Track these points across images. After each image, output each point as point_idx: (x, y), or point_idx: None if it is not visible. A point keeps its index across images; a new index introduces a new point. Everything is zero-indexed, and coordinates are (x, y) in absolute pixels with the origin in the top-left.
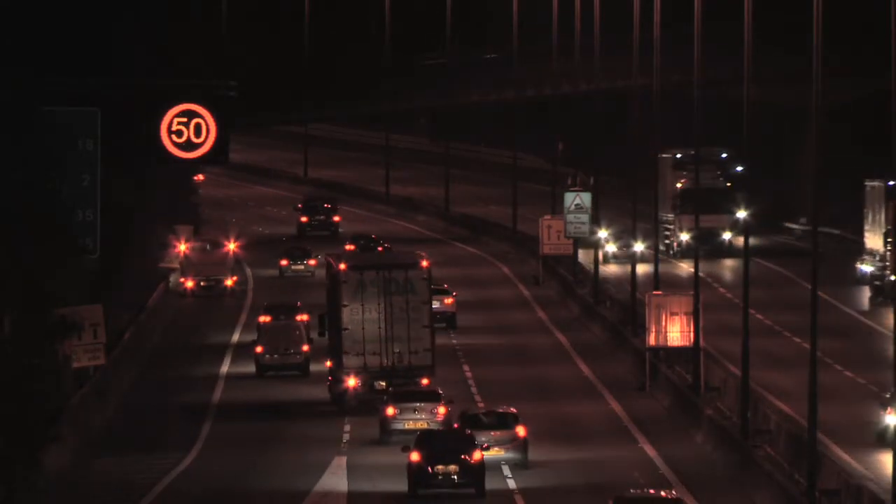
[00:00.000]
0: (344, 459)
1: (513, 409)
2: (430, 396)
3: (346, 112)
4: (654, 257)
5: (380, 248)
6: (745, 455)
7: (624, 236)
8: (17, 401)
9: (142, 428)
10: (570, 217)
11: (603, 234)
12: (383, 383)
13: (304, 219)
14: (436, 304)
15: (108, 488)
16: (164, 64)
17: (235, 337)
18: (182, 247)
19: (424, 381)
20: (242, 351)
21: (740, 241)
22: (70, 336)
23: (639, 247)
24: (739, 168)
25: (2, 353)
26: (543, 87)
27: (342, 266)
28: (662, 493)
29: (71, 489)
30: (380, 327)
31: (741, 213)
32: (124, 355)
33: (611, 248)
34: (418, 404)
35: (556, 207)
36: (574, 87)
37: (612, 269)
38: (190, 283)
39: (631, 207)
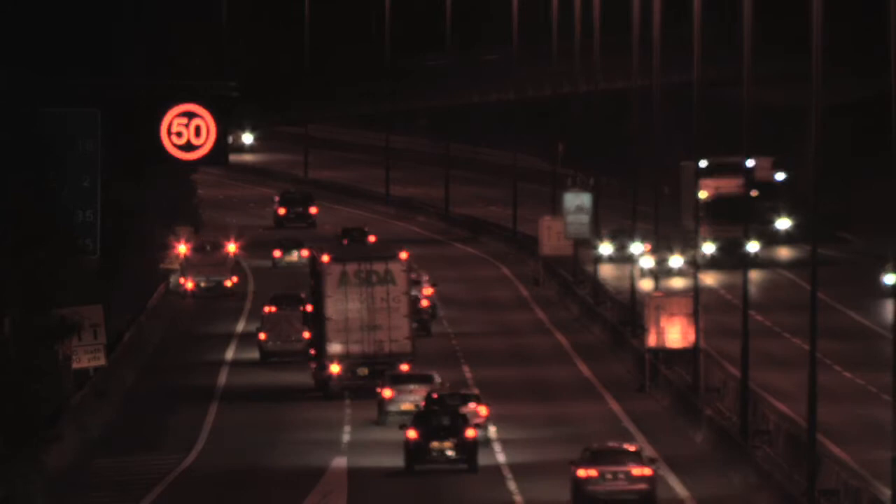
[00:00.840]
0: (345, 460)
1: (475, 391)
2: (425, 379)
3: (347, 112)
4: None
5: (372, 238)
6: (745, 455)
7: (661, 251)
8: (17, 401)
9: (142, 425)
10: (571, 218)
11: (638, 247)
12: (365, 370)
13: (281, 211)
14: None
15: (110, 487)
16: (163, 64)
17: (240, 327)
18: (182, 248)
19: (404, 368)
20: (246, 339)
21: (769, 252)
22: (70, 336)
23: (676, 261)
24: (780, 177)
25: (2, 353)
26: (544, 87)
27: (325, 258)
28: (625, 446)
29: (71, 489)
30: (361, 317)
31: (783, 223)
32: (124, 355)
33: (647, 262)
34: (413, 387)
35: (557, 208)
36: (574, 87)
37: (646, 286)
38: (190, 284)
39: (631, 209)
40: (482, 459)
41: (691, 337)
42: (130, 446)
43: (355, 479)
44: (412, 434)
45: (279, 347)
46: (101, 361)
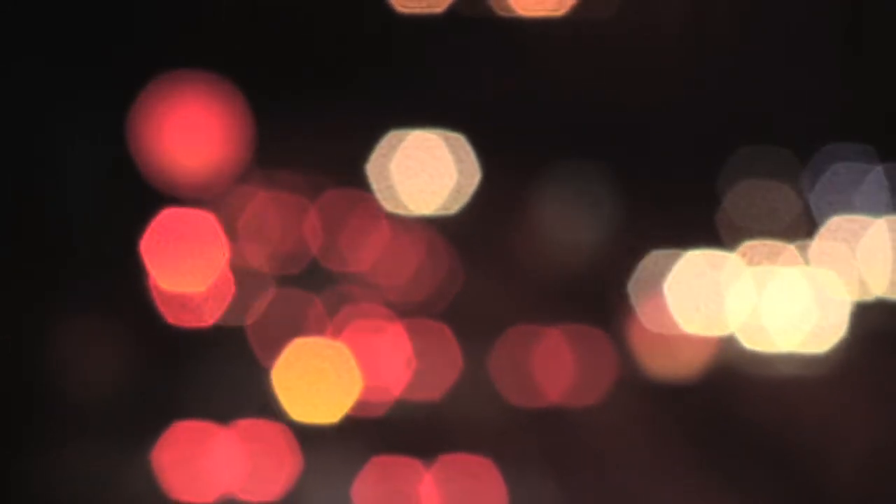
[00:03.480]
0: None
1: None
2: None
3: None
4: None
5: None
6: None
7: None
8: (16, 401)
9: (142, 424)
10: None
11: None
12: None
13: None
14: None
15: (111, 485)
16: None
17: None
18: None
19: None
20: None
21: None
22: (73, 336)
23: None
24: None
25: (2, 353)
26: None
27: None
28: None
29: (73, 487)
30: None
31: None
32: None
33: None
34: None
35: None
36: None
37: None
38: None
39: None
40: None
41: None
42: (131, 443)
43: None
44: None
45: None
46: (107, 359)
